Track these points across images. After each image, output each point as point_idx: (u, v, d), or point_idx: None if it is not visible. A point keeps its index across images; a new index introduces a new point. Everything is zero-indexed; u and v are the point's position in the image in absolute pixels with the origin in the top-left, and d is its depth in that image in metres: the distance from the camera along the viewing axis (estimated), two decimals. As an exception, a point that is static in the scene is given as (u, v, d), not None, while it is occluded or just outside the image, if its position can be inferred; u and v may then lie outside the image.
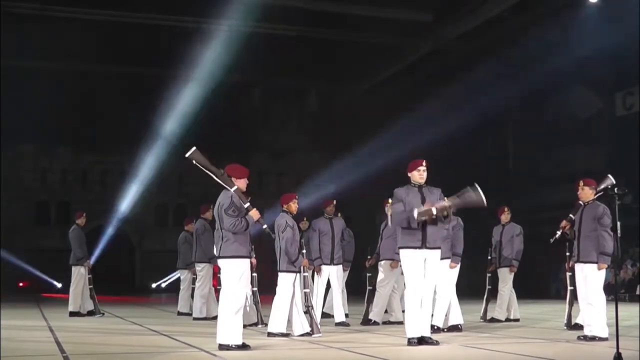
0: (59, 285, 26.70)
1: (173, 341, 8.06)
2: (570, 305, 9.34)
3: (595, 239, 7.91)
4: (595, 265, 7.91)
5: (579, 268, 8.09)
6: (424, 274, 7.36)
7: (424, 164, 7.52)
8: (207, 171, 7.09)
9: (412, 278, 7.35)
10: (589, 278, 7.95)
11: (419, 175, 7.49)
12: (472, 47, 23.78)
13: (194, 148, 7.06)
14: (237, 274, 7.05)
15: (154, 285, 28.06)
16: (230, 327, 6.94)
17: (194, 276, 12.19)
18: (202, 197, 17.90)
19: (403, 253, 7.44)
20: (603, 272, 7.98)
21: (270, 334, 8.22)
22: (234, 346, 6.90)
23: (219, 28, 22.87)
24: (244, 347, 6.95)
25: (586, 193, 8.12)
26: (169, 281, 26.25)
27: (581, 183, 8.17)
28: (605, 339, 7.71)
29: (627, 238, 17.87)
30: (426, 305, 7.39)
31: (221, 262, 7.15)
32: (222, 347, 6.93)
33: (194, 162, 7.04)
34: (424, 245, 7.33)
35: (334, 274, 10.41)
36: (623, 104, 21.20)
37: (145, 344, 7.86)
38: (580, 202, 8.19)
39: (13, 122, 25.29)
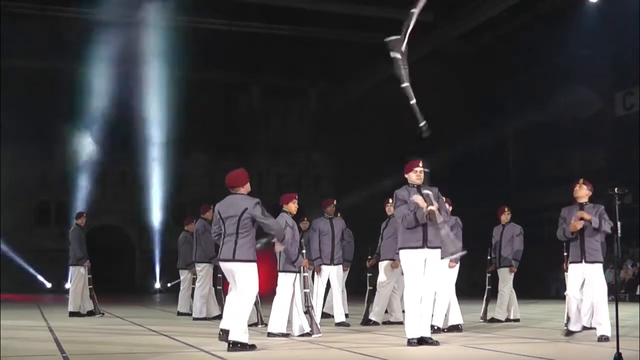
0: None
1: (173, 341, 8.05)
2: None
3: (599, 239, 7.91)
4: (600, 266, 7.89)
5: (583, 269, 7.99)
6: (424, 274, 7.36)
7: (420, 164, 7.48)
8: (398, 70, 6.18)
9: (412, 278, 7.34)
10: (594, 279, 7.92)
11: (416, 176, 7.47)
12: (472, 47, 23.78)
13: (399, 37, 5.91)
14: (255, 276, 7.11)
15: (157, 286, 28.01)
16: (244, 326, 6.96)
17: (194, 276, 12.19)
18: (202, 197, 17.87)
19: (403, 253, 7.43)
20: (602, 273, 7.98)
21: (270, 334, 8.21)
22: (247, 345, 6.89)
23: (218, 28, 22.89)
24: (252, 347, 6.95)
25: (583, 192, 8.09)
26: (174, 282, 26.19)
27: (580, 181, 8.15)
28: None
29: (627, 238, 17.87)
30: (426, 306, 7.39)
31: (239, 266, 7.06)
32: (235, 343, 6.85)
33: (391, 53, 6.12)
34: (424, 244, 7.32)
35: (334, 274, 10.40)
36: (623, 104, 21.19)
37: (145, 344, 7.85)
38: (577, 202, 8.12)
39: (13, 122, 25.30)
